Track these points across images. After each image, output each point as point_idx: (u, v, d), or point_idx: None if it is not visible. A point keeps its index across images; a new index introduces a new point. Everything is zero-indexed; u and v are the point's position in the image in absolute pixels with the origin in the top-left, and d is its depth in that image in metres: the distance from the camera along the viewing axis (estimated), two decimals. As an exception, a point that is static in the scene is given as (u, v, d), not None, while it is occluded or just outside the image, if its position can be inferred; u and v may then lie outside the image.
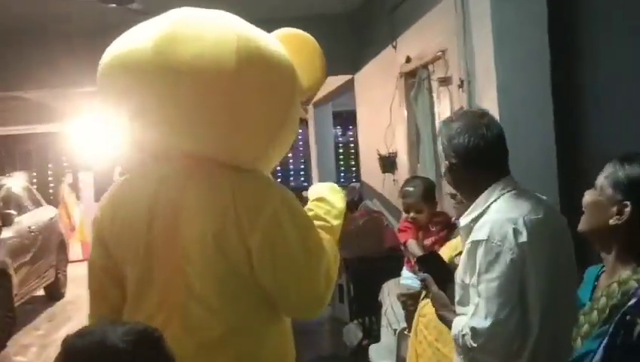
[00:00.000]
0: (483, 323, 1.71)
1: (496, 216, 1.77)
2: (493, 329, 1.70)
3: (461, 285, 1.84)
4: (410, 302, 2.76)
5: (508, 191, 1.82)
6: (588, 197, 1.55)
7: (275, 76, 1.68)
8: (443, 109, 4.31)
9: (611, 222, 1.48)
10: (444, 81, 4.05)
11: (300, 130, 2.03)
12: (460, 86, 3.67)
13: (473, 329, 1.72)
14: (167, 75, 1.58)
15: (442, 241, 2.83)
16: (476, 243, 1.75)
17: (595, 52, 3.25)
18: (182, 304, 1.58)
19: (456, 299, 1.86)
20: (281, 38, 1.81)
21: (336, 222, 1.85)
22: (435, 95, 4.51)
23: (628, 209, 1.45)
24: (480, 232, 1.76)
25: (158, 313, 1.58)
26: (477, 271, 1.74)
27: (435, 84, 4.42)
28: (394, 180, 5.42)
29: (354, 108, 7.05)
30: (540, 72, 3.26)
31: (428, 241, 2.87)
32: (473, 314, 1.74)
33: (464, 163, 1.84)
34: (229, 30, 1.65)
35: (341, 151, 13.88)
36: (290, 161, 13.72)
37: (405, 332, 3.05)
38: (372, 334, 4.74)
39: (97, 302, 1.74)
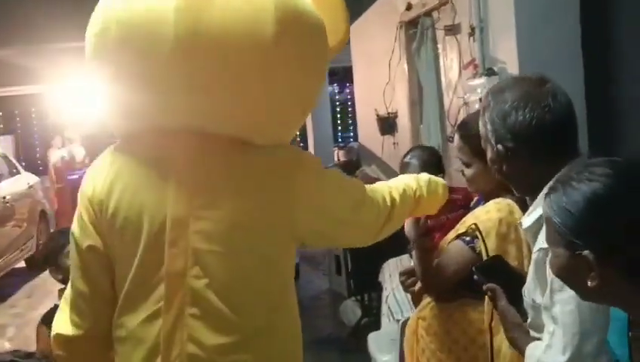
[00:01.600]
0: (561, 358, 1.29)
1: None
2: None
3: (531, 305, 1.42)
4: (411, 280, 2.29)
5: None
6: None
7: (314, 44, 1.47)
8: (450, 62, 3.79)
9: None
10: (451, 30, 3.53)
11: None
12: (471, 34, 3.16)
13: None
14: (192, 46, 1.31)
15: (451, 224, 2.33)
16: (545, 252, 1.28)
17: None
18: (193, 305, 1.38)
19: (528, 320, 1.44)
20: None
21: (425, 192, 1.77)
22: (440, 46, 3.99)
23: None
24: None
25: (163, 315, 1.38)
26: (549, 288, 1.33)
27: (440, 34, 3.89)
28: (394, 143, 4.94)
29: (351, 65, 6.54)
30: (568, 18, 2.75)
31: (436, 221, 2.36)
32: (548, 347, 1.33)
33: (526, 147, 1.39)
34: None
35: (338, 110, 13.43)
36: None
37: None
38: (372, 312, 4.47)
39: (82, 281, 1.47)
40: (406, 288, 2.26)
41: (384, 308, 3.39)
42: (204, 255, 1.38)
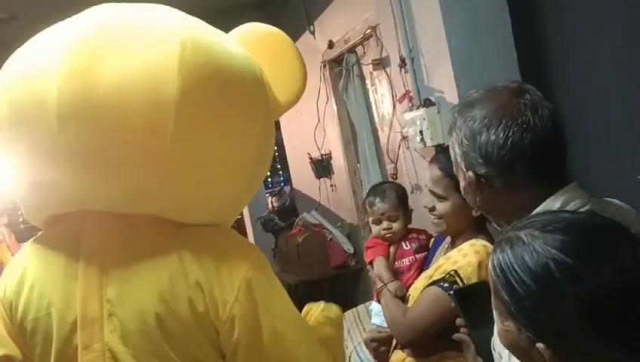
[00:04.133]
0: None
1: None
2: None
3: (498, 360, 1.20)
4: (383, 349, 2.08)
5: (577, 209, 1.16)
6: None
7: (237, 98, 1.22)
8: (381, 97, 3.65)
9: None
10: (379, 63, 3.39)
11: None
12: (402, 65, 3.01)
13: None
14: (80, 113, 1.10)
15: (418, 266, 2.14)
16: None
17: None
18: None
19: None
20: (245, 39, 1.35)
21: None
22: (368, 82, 3.85)
23: None
24: None
25: None
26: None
27: (367, 69, 3.76)
28: (332, 186, 4.73)
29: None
30: (500, 35, 2.65)
31: (401, 263, 2.16)
32: None
33: (501, 172, 1.16)
34: (169, 36, 1.16)
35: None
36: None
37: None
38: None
39: None
40: (378, 356, 2.05)
41: (348, 369, 3.14)
42: (123, 358, 1.16)
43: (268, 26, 1.42)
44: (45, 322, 1.19)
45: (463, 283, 1.67)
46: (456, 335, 1.33)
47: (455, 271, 1.69)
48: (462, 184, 1.27)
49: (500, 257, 0.91)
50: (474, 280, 1.66)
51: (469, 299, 1.34)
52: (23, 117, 1.14)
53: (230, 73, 1.20)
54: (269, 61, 1.32)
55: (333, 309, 1.43)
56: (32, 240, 1.31)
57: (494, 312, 0.96)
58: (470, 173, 1.20)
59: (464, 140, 1.19)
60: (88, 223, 1.21)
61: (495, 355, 1.19)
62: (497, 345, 1.18)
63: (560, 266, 0.85)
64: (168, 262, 1.16)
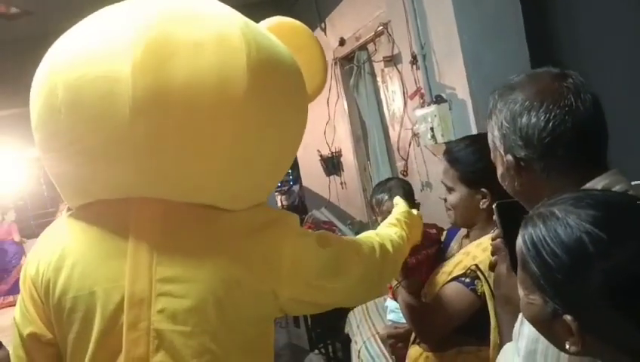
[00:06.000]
0: None
1: None
2: None
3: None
4: (400, 345, 2.08)
5: None
6: None
7: (291, 92, 1.29)
8: (392, 94, 3.65)
9: None
10: (391, 60, 3.39)
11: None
12: (413, 62, 3.01)
13: None
14: (153, 106, 1.11)
15: (431, 261, 2.13)
16: None
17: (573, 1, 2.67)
18: None
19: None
20: (272, 32, 1.34)
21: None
22: (379, 79, 3.85)
23: None
24: None
25: None
26: (520, 316, 1.11)
27: (378, 66, 3.76)
28: (342, 183, 4.74)
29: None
30: (513, 33, 2.65)
31: (413, 259, 2.15)
32: None
33: (541, 155, 1.13)
34: (233, 31, 1.18)
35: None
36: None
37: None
38: (337, 364, 4.18)
39: None
40: (395, 352, 2.05)
41: (357, 364, 3.14)
42: (170, 337, 1.18)
43: (291, 19, 1.45)
44: (87, 300, 1.19)
45: (484, 276, 1.67)
46: (493, 243, 1.28)
47: (476, 265, 1.69)
48: (499, 170, 1.24)
49: (532, 231, 0.91)
50: None
51: (510, 214, 1.25)
52: (85, 105, 1.13)
53: (284, 66, 1.25)
54: (295, 54, 1.34)
55: (401, 208, 1.74)
56: (67, 216, 1.30)
57: (519, 287, 0.96)
58: (509, 157, 1.17)
59: (504, 123, 1.17)
60: (136, 206, 1.22)
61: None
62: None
63: (593, 240, 0.85)
64: (222, 244, 1.20)
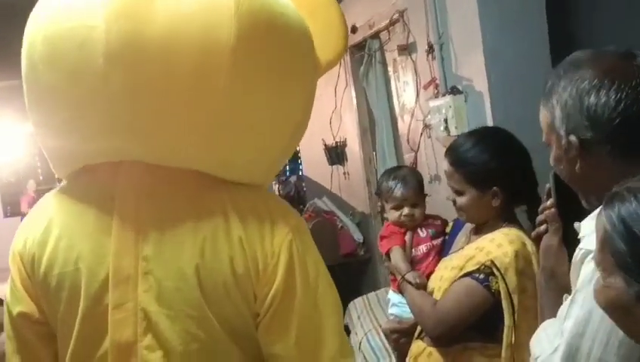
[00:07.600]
0: None
1: None
2: None
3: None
4: (403, 340, 2.04)
5: None
6: None
7: (293, 55, 1.17)
8: (403, 85, 3.59)
9: None
10: (405, 49, 3.32)
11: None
12: (429, 52, 2.95)
13: None
14: (130, 56, 1.04)
15: (436, 253, 2.10)
16: (585, 254, 1.03)
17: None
18: None
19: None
20: None
21: None
22: (390, 69, 3.79)
23: None
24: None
25: None
26: (571, 296, 1.06)
27: (390, 55, 3.69)
28: (344, 173, 4.68)
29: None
30: (535, 27, 2.59)
31: (418, 251, 2.11)
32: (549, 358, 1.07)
33: (608, 137, 1.07)
34: None
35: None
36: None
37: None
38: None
39: (18, 357, 1.22)
40: (398, 347, 2.01)
41: (358, 356, 3.10)
42: (155, 319, 1.11)
43: None
44: (72, 277, 1.13)
45: (500, 273, 1.63)
46: (547, 212, 1.22)
47: (491, 261, 1.65)
48: (555, 152, 1.17)
49: (622, 207, 0.85)
50: (511, 270, 1.62)
51: (564, 187, 1.21)
52: (62, 56, 1.07)
53: (283, 22, 1.14)
54: (310, 16, 1.25)
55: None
56: (55, 190, 1.25)
57: (597, 269, 0.90)
58: (573, 138, 1.10)
59: (569, 101, 1.10)
60: (122, 175, 1.15)
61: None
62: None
63: None
64: (211, 218, 1.12)
